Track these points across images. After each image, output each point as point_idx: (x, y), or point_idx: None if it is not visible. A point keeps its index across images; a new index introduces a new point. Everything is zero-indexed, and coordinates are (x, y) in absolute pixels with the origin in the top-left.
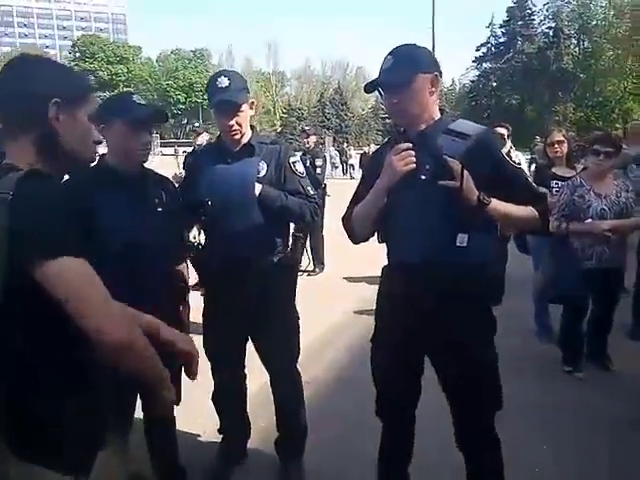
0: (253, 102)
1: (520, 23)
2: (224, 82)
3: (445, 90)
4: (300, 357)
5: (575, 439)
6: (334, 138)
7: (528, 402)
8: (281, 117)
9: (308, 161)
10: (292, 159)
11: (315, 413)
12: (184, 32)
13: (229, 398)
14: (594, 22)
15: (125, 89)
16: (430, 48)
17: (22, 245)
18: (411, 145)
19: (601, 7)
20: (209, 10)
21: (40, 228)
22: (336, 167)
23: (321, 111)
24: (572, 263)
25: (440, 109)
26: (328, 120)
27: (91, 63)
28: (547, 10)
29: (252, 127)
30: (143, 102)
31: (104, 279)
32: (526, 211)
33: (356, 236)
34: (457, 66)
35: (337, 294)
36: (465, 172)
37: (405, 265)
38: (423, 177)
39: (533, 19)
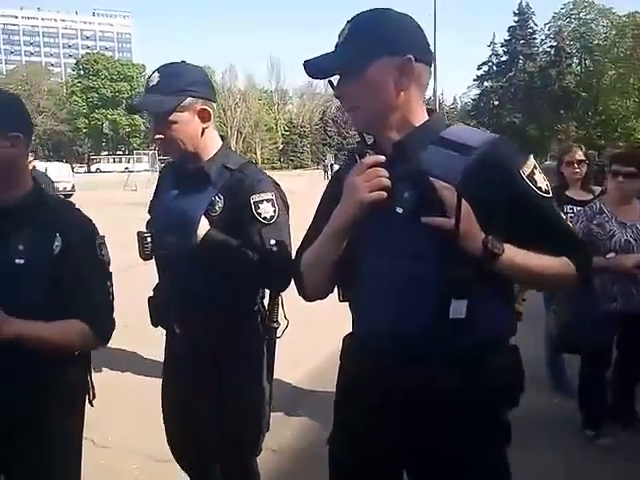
0: (205, 109)
1: (522, 42)
2: (154, 79)
3: (447, 108)
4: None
5: None
6: (336, 155)
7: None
8: (283, 134)
9: None
10: (256, 197)
11: None
12: (188, 50)
13: None
14: (596, 41)
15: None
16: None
17: None
18: (382, 159)
19: (603, 26)
20: (214, 28)
21: None
22: None
23: (323, 129)
24: (592, 305)
25: (429, 110)
26: (330, 138)
27: (94, 80)
28: (548, 29)
29: (223, 138)
30: None
31: None
32: (558, 264)
33: (307, 292)
34: (459, 84)
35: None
36: (464, 204)
37: (374, 341)
38: (399, 210)
39: (534, 38)
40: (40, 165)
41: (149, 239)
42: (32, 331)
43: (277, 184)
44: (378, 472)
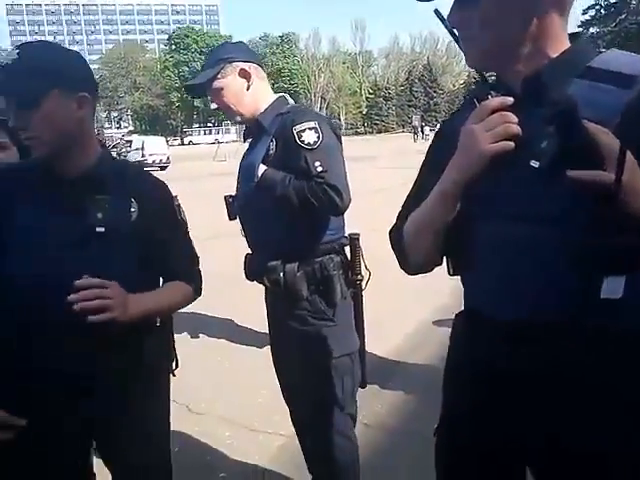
0: (244, 69)
1: None
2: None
3: None
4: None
5: None
6: (422, 117)
7: None
8: (367, 98)
9: None
10: (298, 127)
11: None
12: (273, 18)
13: None
14: None
15: None
16: None
17: None
18: (510, 100)
19: None
20: None
21: None
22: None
23: (409, 89)
24: None
25: (571, 35)
26: (416, 99)
27: (185, 54)
28: None
29: (283, 96)
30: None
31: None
32: None
33: (410, 262)
34: None
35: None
36: (628, 154)
37: (498, 323)
38: (535, 163)
39: None
40: (138, 139)
41: (231, 200)
42: (151, 304)
43: (329, 119)
44: (497, 464)
